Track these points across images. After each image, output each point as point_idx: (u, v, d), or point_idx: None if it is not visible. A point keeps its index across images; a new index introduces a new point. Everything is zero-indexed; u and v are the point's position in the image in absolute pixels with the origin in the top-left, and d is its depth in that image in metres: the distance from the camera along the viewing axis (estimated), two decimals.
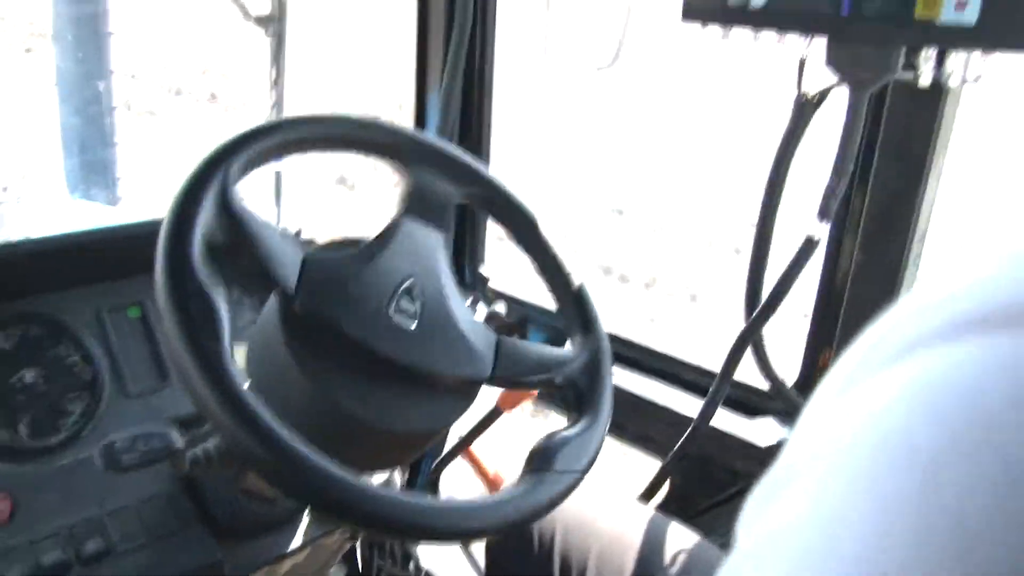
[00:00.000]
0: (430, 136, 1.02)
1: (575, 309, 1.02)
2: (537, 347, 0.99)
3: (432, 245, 0.96)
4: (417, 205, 0.96)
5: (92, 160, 3.19)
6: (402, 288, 0.91)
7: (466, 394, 0.95)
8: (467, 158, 1.02)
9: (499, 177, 1.04)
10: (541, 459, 0.90)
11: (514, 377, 0.97)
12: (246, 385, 0.75)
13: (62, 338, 1.17)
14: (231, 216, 0.82)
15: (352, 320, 0.87)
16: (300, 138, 0.92)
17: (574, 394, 0.97)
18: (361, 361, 0.87)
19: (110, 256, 1.25)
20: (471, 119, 1.78)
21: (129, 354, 1.20)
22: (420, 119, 1.80)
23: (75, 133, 3.22)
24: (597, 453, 0.94)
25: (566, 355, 0.98)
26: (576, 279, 1.03)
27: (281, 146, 0.91)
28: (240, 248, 0.83)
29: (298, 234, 1.32)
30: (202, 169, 0.83)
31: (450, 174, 1.00)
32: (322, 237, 1.15)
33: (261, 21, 1.56)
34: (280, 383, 0.87)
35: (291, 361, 0.85)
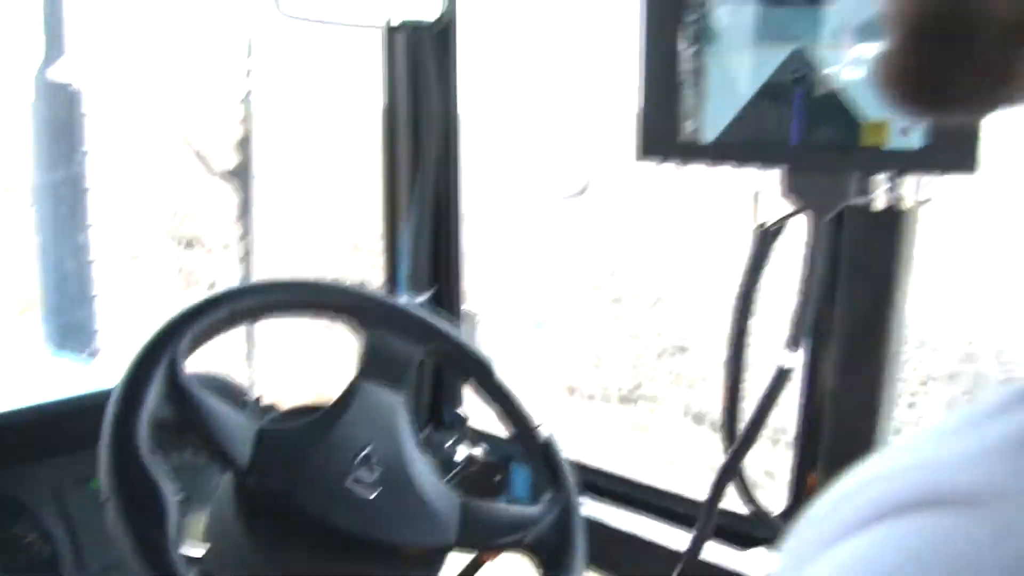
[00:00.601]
0: (383, 295, 1.02)
1: (542, 462, 1.00)
2: (505, 508, 0.96)
3: (391, 407, 0.95)
4: (374, 367, 0.95)
5: (69, 315, 3.20)
6: (360, 456, 0.89)
7: (431, 562, 0.92)
8: (424, 314, 1.02)
9: (455, 330, 1.04)
10: None
11: (481, 541, 0.94)
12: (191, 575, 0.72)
13: (19, 516, 1.13)
14: (180, 394, 0.81)
15: (308, 494, 0.84)
16: (248, 307, 0.92)
17: (545, 553, 0.94)
18: (319, 536, 0.84)
19: (72, 427, 1.23)
20: (442, 251, 1.78)
21: (90, 529, 1.16)
22: (391, 257, 1.80)
23: (53, 289, 3.24)
24: None
25: (535, 513, 0.96)
26: (541, 430, 1.01)
27: (229, 318, 0.90)
28: (190, 427, 0.81)
29: (258, 401, 1.30)
30: (150, 347, 0.82)
31: (409, 332, 0.99)
32: (284, 402, 1.13)
33: (226, 176, 1.58)
34: (235, 559, 0.84)
35: (246, 538, 0.83)
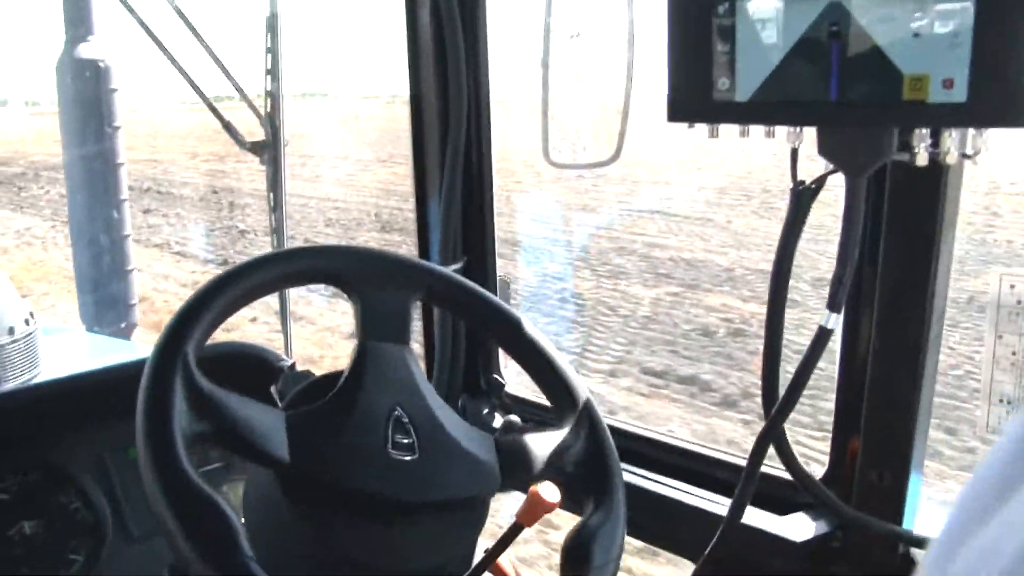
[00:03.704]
0: (361, 247, 1.02)
1: (553, 378, 1.02)
2: (535, 438, 0.96)
3: (401, 362, 0.95)
4: (373, 326, 0.95)
5: (105, 291, 3.23)
6: (392, 422, 0.88)
7: (481, 510, 0.93)
8: (404, 257, 1.02)
9: (440, 267, 1.05)
10: (578, 559, 0.91)
11: (524, 475, 0.95)
12: None
13: (63, 484, 1.14)
14: (205, 405, 0.81)
15: (354, 472, 0.84)
16: (239, 294, 0.91)
17: (586, 476, 0.95)
18: (373, 508, 0.85)
19: (111, 397, 1.24)
20: (473, 223, 1.77)
21: (131, 495, 1.17)
22: (422, 230, 1.79)
23: (88, 265, 3.27)
24: (624, 534, 0.95)
25: (565, 438, 0.97)
26: (542, 344, 1.02)
27: (225, 308, 0.89)
28: (224, 439, 0.81)
29: (293, 366, 1.30)
30: (160, 353, 0.81)
31: (396, 281, 0.99)
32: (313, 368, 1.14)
33: (256, 148, 1.57)
34: (288, 549, 0.84)
35: (298, 527, 0.83)
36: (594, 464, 0.99)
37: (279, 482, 0.84)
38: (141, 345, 2.72)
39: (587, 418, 1.02)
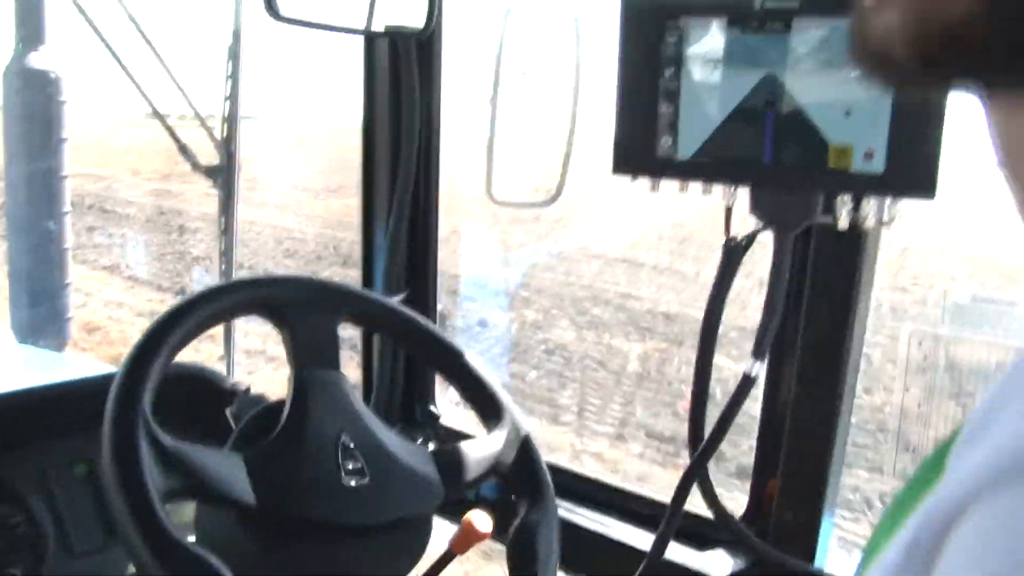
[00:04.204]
0: (282, 273, 1.07)
1: (473, 384, 1.07)
2: (467, 446, 1.02)
3: (337, 386, 0.99)
4: (305, 353, 0.99)
5: (41, 304, 3.18)
6: (340, 449, 0.93)
7: (428, 526, 0.98)
8: (327, 281, 1.07)
9: (364, 291, 1.09)
10: (525, 556, 0.99)
11: (463, 484, 1.00)
12: None
13: (4, 498, 1.15)
14: (169, 461, 0.84)
15: (316, 505, 0.89)
16: (183, 335, 0.94)
17: (519, 477, 1.04)
18: (327, 535, 0.89)
19: (56, 412, 1.25)
20: (417, 254, 1.82)
21: (75, 512, 1.18)
22: (367, 260, 1.83)
23: (25, 277, 3.22)
24: (559, 528, 1.03)
25: (496, 443, 1.02)
26: (464, 355, 1.07)
27: (170, 353, 0.92)
28: (194, 492, 0.85)
29: (247, 391, 1.33)
30: (121, 419, 0.84)
31: (320, 305, 1.03)
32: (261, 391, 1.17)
33: (210, 172, 1.60)
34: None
35: (257, 555, 0.87)
36: (525, 466, 1.04)
37: (240, 520, 0.88)
38: (75, 359, 2.70)
39: (512, 424, 1.07)
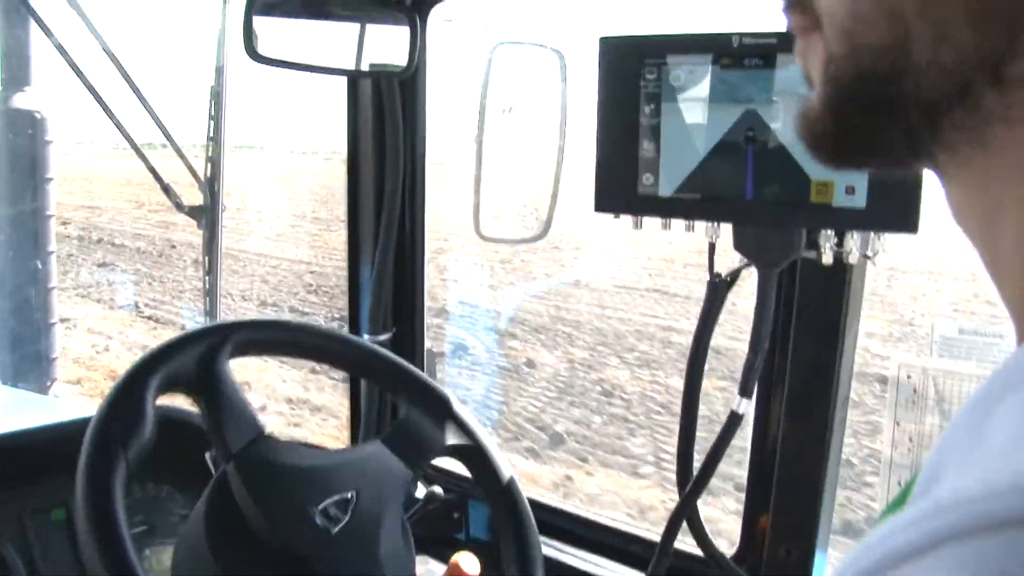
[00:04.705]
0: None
1: (503, 502, 1.05)
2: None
3: (396, 478, 1.00)
4: (400, 442, 1.00)
5: (27, 344, 3.16)
6: (338, 498, 0.93)
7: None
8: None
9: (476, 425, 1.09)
10: None
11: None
12: None
13: None
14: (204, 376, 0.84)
15: (275, 512, 0.88)
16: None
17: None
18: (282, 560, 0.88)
19: (33, 458, 1.23)
20: (404, 293, 1.81)
21: (50, 558, 1.16)
22: (353, 298, 1.82)
23: (11, 317, 3.21)
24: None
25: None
26: (504, 471, 1.05)
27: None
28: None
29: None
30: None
31: (438, 419, 1.05)
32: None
33: (193, 212, 1.59)
34: None
35: (215, 564, 0.86)
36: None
37: (217, 567, 0.87)
38: (60, 402, 2.67)
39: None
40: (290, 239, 12.57)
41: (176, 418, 1.28)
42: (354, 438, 1.77)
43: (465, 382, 6.88)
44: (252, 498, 0.87)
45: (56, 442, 1.25)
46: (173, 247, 12.30)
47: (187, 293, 10.40)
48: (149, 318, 9.57)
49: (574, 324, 8.26)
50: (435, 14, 1.58)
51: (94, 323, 8.91)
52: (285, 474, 0.90)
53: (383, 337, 1.71)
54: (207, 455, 1.16)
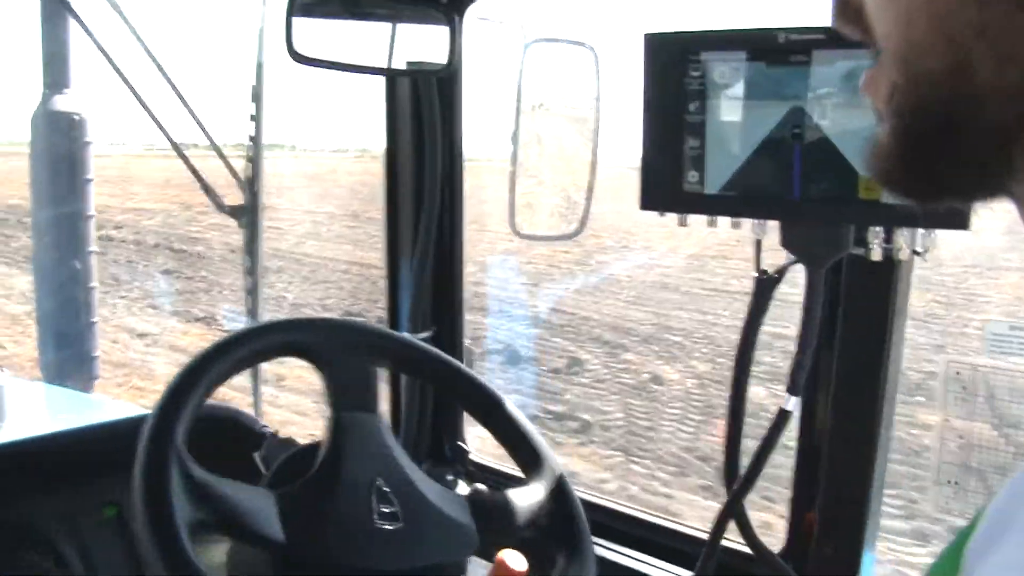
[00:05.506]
0: (322, 317, 1.07)
1: (518, 438, 1.06)
2: (504, 496, 1.00)
3: (378, 432, 0.99)
4: (342, 395, 0.99)
5: (68, 344, 3.21)
6: (375, 493, 0.92)
7: (460, 572, 0.97)
8: (368, 326, 1.06)
9: (407, 336, 1.09)
10: None
11: (501, 533, 0.99)
12: None
13: (34, 544, 1.14)
14: (201, 492, 0.83)
15: (345, 547, 0.88)
16: (218, 374, 0.94)
17: (559, 531, 1.02)
18: None
19: (84, 456, 1.25)
20: (443, 291, 1.81)
21: (104, 555, 1.18)
22: (393, 296, 1.83)
23: (53, 317, 3.25)
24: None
25: (536, 496, 1.01)
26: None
27: (205, 391, 0.92)
28: (222, 525, 0.84)
29: (275, 435, 1.32)
30: (154, 451, 0.84)
31: (360, 350, 1.03)
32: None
33: (235, 212, 1.61)
34: None
35: None
36: (562, 512, 1.03)
37: (270, 560, 0.87)
38: (103, 401, 2.71)
39: (556, 478, 1.06)
40: (349, 240, 12.12)
41: (226, 415, 1.30)
42: (395, 431, 1.78)
43: (598, 404, 6.39)
44: (322, 555, 0.88)
45: (104, 441, 1.27)
46: (232, 251, 11.06)
47: (264, 302, 9.84)
48: (229, 332, 9.03)
49: (682, 332, 7.72)
50: (470, 12, 1.58)
51: (175, 339, 8.55)
52: (329, 516, 0.90)
53: (423, 335, 1.71)
54: (256, 455, 1.17)
